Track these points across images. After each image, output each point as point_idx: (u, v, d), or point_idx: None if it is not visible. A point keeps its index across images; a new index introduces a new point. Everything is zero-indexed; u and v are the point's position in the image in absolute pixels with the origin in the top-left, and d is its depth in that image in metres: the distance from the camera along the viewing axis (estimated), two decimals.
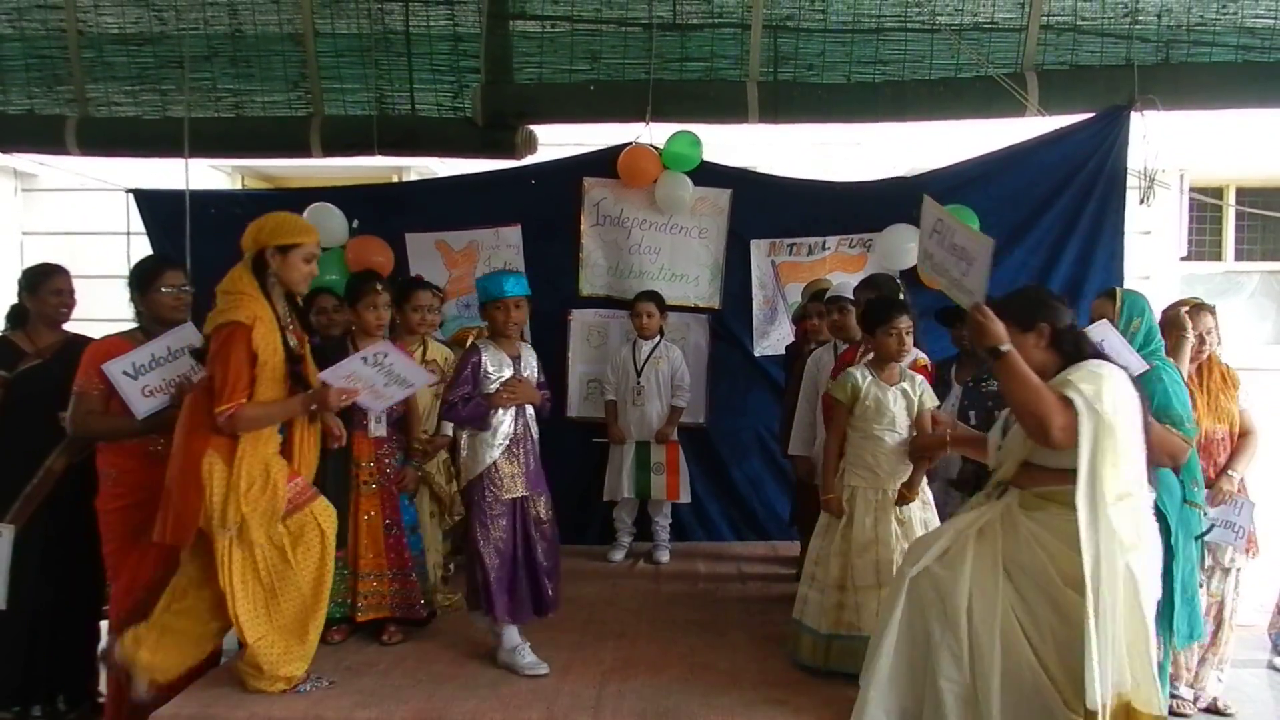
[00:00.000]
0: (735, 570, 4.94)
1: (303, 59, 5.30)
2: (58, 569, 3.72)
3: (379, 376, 3.33)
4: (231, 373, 3.01)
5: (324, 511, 3.24)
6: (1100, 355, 2.68)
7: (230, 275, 3.19)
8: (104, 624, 3.76)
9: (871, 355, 3.60)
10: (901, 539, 3.32)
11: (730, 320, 5.54)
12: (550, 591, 3.51)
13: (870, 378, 3.46)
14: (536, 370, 3.64)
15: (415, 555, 3.80)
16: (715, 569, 4.95)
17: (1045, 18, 5.01)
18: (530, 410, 3.57)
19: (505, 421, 3.47)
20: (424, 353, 4.16)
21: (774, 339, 5.53)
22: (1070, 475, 2.52)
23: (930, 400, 3.49)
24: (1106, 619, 2.40)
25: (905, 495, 3.40)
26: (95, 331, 3.57)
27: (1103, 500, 2.45)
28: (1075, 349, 2.67)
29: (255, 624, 3.11)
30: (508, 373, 3.49)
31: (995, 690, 2.53)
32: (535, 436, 3.58)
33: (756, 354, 5.55)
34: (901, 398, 3.43)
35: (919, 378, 3.51)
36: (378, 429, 3.75)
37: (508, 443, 3.47)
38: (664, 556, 5.06)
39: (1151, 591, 2.53)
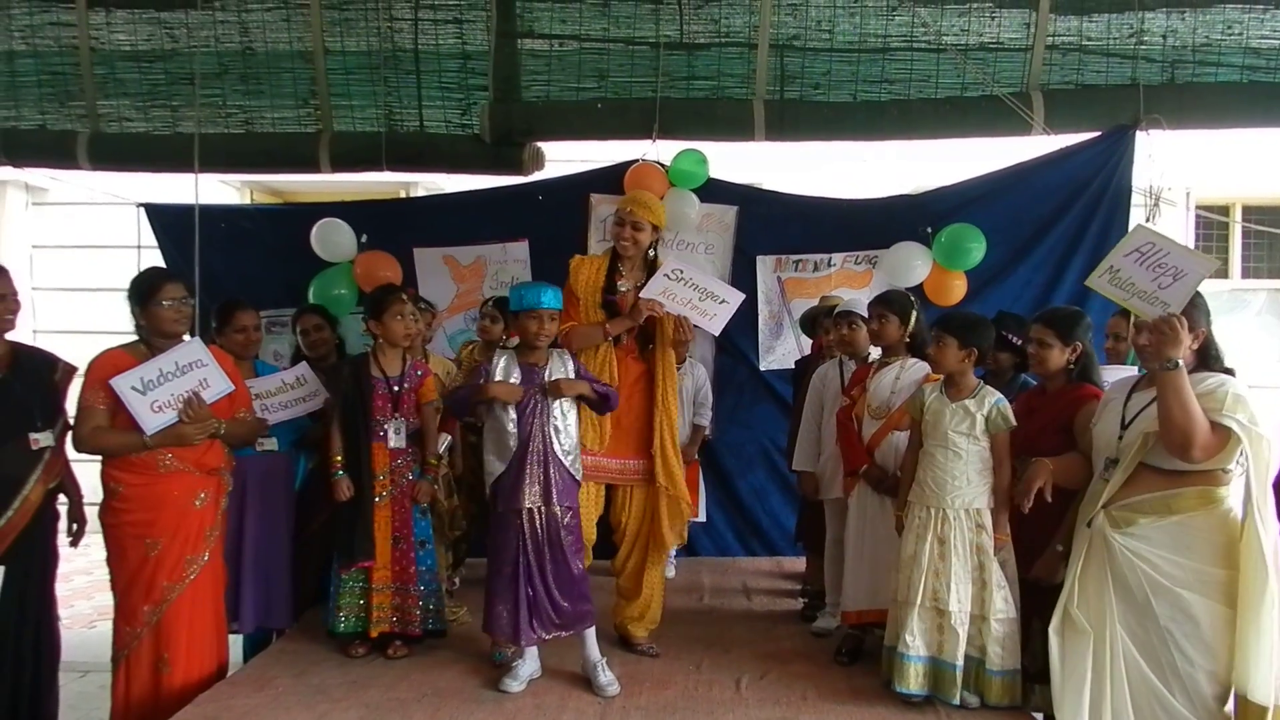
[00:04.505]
0: (741, 586, 4.93)
1: (312, 76, 5.35)
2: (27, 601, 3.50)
3: (688, 291, 3.75)
4: None
5: None
6: (1228, 371, 2.80)
7: None
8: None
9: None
10: (939, 559, 3.24)
11: (736, 335, 5.54)
12: (555, 612, 3.39)
13: (937, 393, 3.39)
14: (570, 374, 3.51)
15: (426, 570, 3.80)
16: (721, 584, 4.95)
17: (1051, 38, 5.04)
18: (556, 420, 3.44)
19: (511, 433, 3.40)
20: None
21: (779, 353, 5.55)
22: (1179, 479, 2.74)
23: (1005, 421, 3.26)
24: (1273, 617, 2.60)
25: (998, 541, 3.24)
26: (107, 345, 3.51)
27: (1266, 505, 2.64)
28: (1214, 357, 2.83)
29: None
30: (514, 379, 3.44)
31: None
32: (563, 447, 3.44)
33: (762, 368, 5.57)
34: (963, 414, 3.28)
35: (991, 397, 3.30)
36: (397, 440, 3.75)
37: (514, 453, 3.40)
38: (670, 571, 5.05)
39: None
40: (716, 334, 3.98)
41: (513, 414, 3.41)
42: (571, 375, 3.52)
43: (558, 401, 3.46)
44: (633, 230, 3.77)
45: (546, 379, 3.46)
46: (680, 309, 3.74)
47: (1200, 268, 2.79)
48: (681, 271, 3.80)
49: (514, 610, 3.37)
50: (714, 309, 3.82)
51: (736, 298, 3.91)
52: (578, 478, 3.52)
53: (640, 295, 3.73)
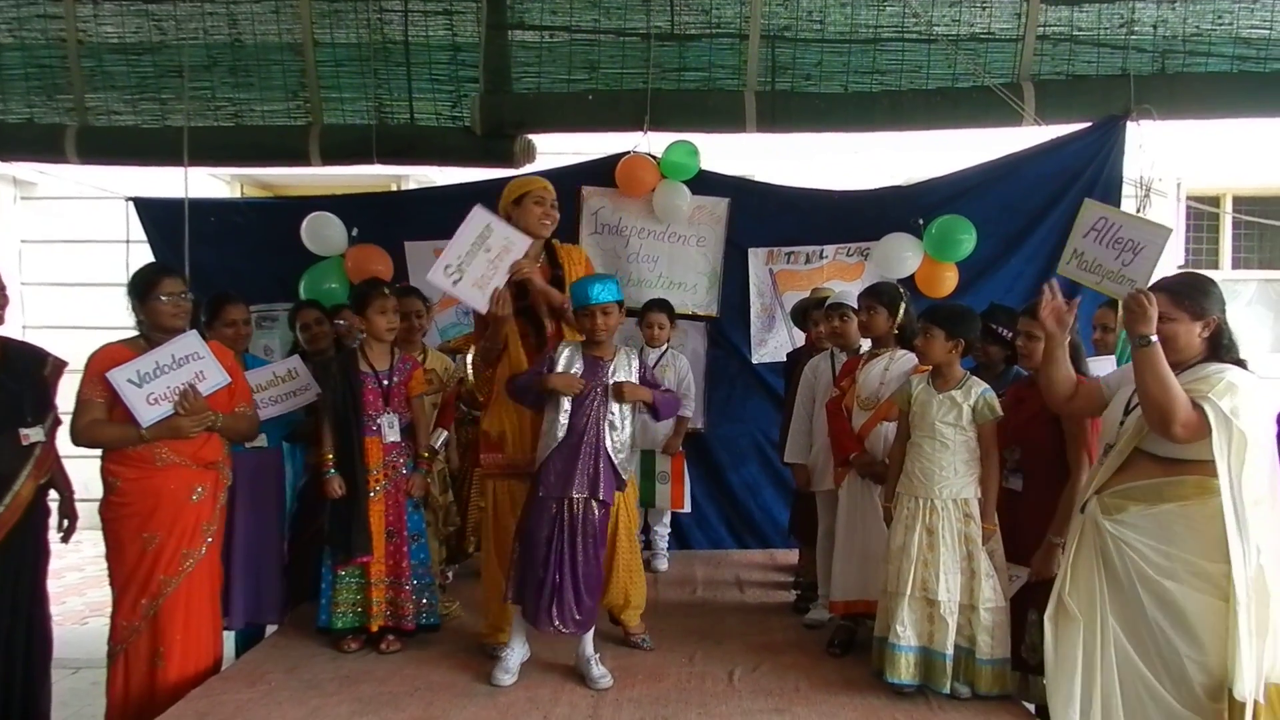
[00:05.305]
0: (733, 578, 4.94)
1: (302, 68, 5.32)
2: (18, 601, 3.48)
3: (478, 258, 3.48)
4: None
5: None
6: (1239, 361, 2.77)
7: None
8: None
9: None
10: (927, 549, 3.24)
11: (728, 328, 5.56)
12: (577, 608, 3.34)
13: (924, 384, 3.40)
14: (634, 375, 3.47)
15: (419, 564, 3.78)
16: (713, 576, 4.96)
17: (1042, 28, 5.04)
18: (613, 417, 3.40)
19: (561, 423, 3.36)
20: (424, 361, 4.17)
21: (771, 346, 5.55)
22: (1175, 466, 2.70)
23: (991, 411, 3.27)
24: (1250, 614, 2.57)
25: (986, 530, 3.27)
26: (97, 340, 3.52)
27: (1243, 504, 2.59)
28: (1226, 347, 2.78)
29: None
30: (576, 370, 3.40)
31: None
32: (615, 444, 3.40)
33: (754, 361, 5.57)
34: (950, 405, 3.28)
35: (978, 387, 3.30)
36: (391, 435, 3.73)
37: (563, 441, 3.35)
38: (663, 565, 5.06)
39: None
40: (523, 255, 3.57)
41: (566, 405, 3.37)
42: (635, 377, 3.48)
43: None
44: (552, 209, 3.71)
45: (610, 376, 3.42)
46: (490, 275, 3.50)
47: (1156, 237, 2.81)
48: (489, 228, 3.52)
49: (538, 593, 3.33)
50: (498, 243, 3.52)
51: (481, 213, 3.56)
52: (624, 477, 3.49)
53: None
